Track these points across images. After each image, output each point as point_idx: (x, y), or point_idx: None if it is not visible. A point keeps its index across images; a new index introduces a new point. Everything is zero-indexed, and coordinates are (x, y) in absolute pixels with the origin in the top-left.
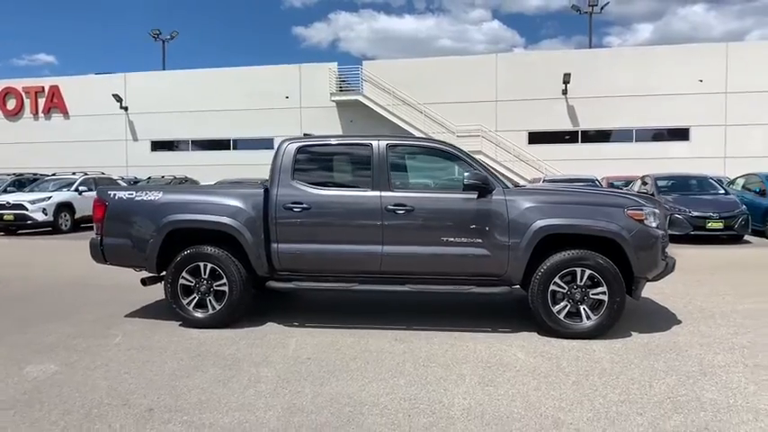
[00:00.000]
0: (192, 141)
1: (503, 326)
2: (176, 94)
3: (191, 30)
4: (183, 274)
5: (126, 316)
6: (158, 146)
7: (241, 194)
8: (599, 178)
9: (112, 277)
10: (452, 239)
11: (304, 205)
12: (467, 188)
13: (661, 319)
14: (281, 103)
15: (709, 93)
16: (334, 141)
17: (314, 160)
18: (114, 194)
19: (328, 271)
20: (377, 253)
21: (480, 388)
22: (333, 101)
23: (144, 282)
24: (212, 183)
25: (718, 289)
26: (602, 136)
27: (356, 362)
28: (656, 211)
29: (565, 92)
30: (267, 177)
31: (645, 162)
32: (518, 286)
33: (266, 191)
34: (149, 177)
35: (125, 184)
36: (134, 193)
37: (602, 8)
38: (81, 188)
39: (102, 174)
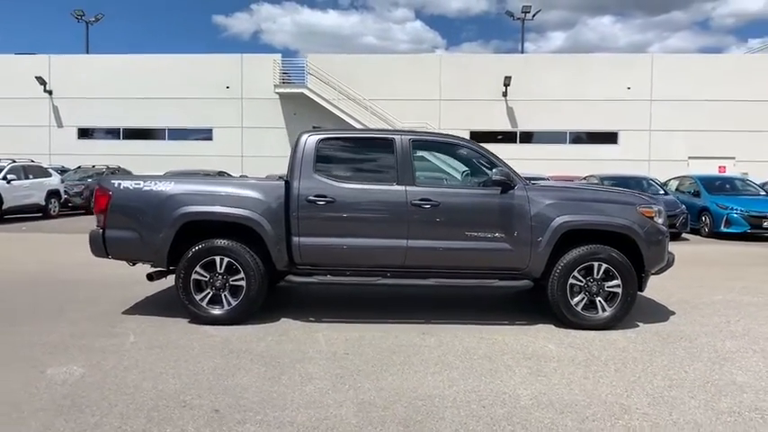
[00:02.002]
0: (123, 130)
1: (518, 318)
2: (107, 79)
3: (107, 12)
4: (197, 268)
5: (123, 313)
6: (85, 133)
7: (261, 186)
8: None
9: (82, 273)
10: (476, 234)
11: (328, 198)
12: (494, 184)
13: (655, 311)
14: (221, 93)
15: (636, 100)
16: (355, 135)
17: (335, 153)
18: (119, 184)
19: (351, 265)
20: (401, 247)
21: (533, 378)
22: (277, 93)
23: (151, 277)
24: (161, 173)
25: (687, 282)
26: (539, 137)
27: (397, 356)
28: (662, 209)
29: (505, 94)
30: (208, 168)
31: (578, 163)
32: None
33: (287, 183)
34: (79, 167)
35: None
36: (141, 182)
37: (533, 15)
38: (9, 176)
39: (32, 161)
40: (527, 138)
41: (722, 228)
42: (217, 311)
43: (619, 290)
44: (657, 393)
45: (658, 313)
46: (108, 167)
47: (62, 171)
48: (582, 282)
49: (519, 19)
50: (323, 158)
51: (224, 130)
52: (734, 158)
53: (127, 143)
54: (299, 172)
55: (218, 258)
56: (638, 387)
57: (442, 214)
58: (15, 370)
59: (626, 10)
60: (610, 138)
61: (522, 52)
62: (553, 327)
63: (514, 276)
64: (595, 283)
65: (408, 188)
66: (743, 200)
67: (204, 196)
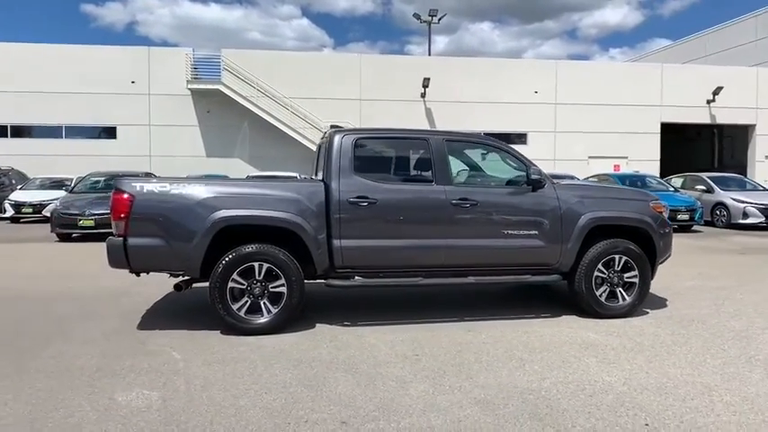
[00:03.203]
0: (12, 127)
1: (540, 311)
2: None
3: None
4: (234, 276)
5: (140, 329)
6: None
7: (299, 187)
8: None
9: (52, 286)
10: (513, 232)
11: (370, 199)
12: (531, 183)
13: (650, 298)
14: (126, 88)
15: (542, 103)
16: (389, 134)
17: (371, 153)
18: (142, 187)
19: (393, 266)
20: (442, 246)
21: (606, 365)
22: (189, 89)
23: (179, 287)
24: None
25: (662, 270)
26: None
27: (466, 354)
28: (667, 204)
29: (424, 95)
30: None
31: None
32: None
33: (325, 185)
34: None
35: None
36: (167, 184)
37: (439, 19)
38: None
39: None
40: None
41: (740, 220)
42: (258, 321)
43: (636, 280)
44: (720, 371)
45: (654, 300)
46: None
47: None
48: (605, 274)
49: (425, 22)
50: (360, 158)
51: (129, 128)
52: (626, 158)
53: (16, 142)
54: (337, 172)
55: (256, 264)
56: (700, 367)
57: (481, 213)
58: (82, 399)
59: (503, 17)
60: (520, 138)
61: (430, 54)
62: (577, 317)
63: (545, 272)
64: (616, 274)
65: (447, 188)
66: (754, 194)
67: (239, 199)
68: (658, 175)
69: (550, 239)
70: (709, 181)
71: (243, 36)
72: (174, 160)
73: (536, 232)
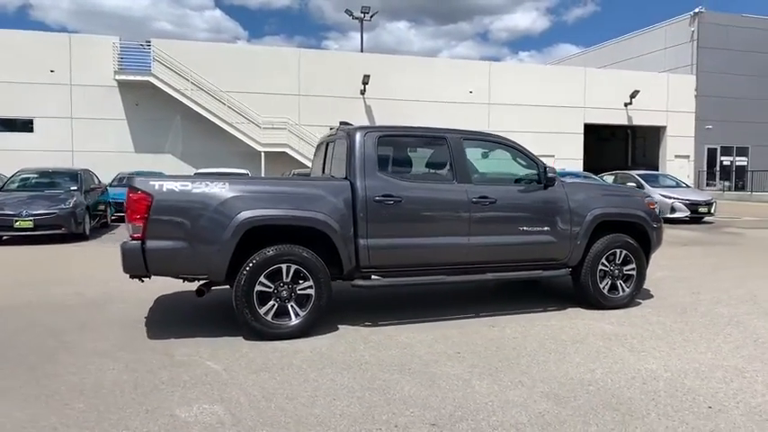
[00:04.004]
0: None
1: (546, 305)
2: None
3: None
4: (261, 278)
5: (151, 339)
6: None
7: (326, 186)
8: None
9: (25, 297)
10: (528, 228)
11: (395, 198)
12: (547, 181)
13: None
14: (44, 77)
15: (477, 103)
16: (409, 132)
17: (394, 151)
18: (161, 186)
19: (417, 265)
20: (464, 244)
21: (638, 354)
22: (117, 80)
23: (201, 292)
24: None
25: None
26: None
27: (506, 349)
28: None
29: (363, 92)
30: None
31: None
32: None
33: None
34: None
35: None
36: (189, 183)
37: (371, 16)
38: None
39: None
40: None
41: (668, 214)
42: (288, 325)
43: (633, 272)
44: (738, 354)
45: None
46: None
47: None
48: (607, 267)
49: (357, 18)
50: (383, 156)
51: (49, 121)
52: (554, 156)
53: None
54: (362, 170)
55: (284, 266)
56: (719, 351)
57: (499, 210)
58: (141, 418)
59: (419, 17)
60: None
61: (362, 51)
62: (580, 309)
63: (555, 266)
64: (617, 267)
65: (467, 186)
66: (679, 191)
67: (265, 198)
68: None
69: (561, 235)
70: (639, 178)
71: (150, 26)
72: (101, 156)
73: (548, 228)
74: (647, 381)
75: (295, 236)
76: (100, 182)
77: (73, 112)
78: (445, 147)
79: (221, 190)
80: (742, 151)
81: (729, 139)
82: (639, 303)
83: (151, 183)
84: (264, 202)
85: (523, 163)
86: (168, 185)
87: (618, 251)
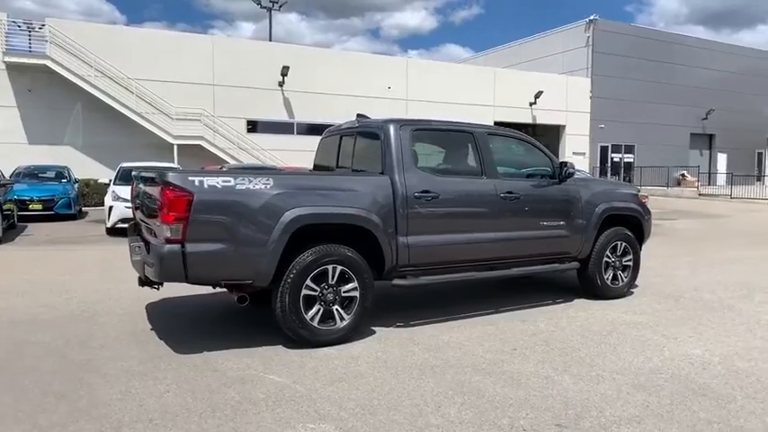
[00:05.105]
0: None
1: (552, 297)
2: None
3: None
4: (308, 281)
5: (181, 353)
6: None
7: (368, 182)
8: None
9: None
10: (547, 223)
11: (432, 194)
12: (568, 176)
13: None
14: None
15: (395, 99)
16: (440, 126)
17: (426, 145)
18: (202, 182)
19: (453, 262)
20: (494, 240)
21: (675, 341)
22: (5, 62)
23: (243, 299)
24: None
25: None
26: (313, 130)
27: (554, 343)
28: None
29: (282, 84)
30: None
31: None
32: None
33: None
34: None
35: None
36: (231, 179)
37: (280, 6)
38: None
39: None
40: (302, 130)
41: None
42: (334, 330)
43: (631, 263)
44: (758, 336)
45: None
46: None
47: None
48: (610, 259)
49: (266, 8)
50: (418, 150)
51: None
52: None
53: None
54: (401, 165)
55: (330, 267)
56: (738, 334)
57: (524, 205)
58: None
59: (310, 10)
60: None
61: (270, 40)
62: (586, 300)
63: (567, 260)
64: (618, 259)
65: (495, 181)
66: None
67: (311, 194)
68: None
69: (575, 229)
70: None
71: (8, 4)
72: None
73: (564, 222)
74: (705, 366)
75: (334, 235)
76: (4, 177)
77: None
78: (472, 141)
79: (265, 186)
80: (629, 149)
81: (619, 137)
82: (632, 293)
83: (190, 179)
84: (311, 199)
85: (538, 158)
86: (210, 182)
87: (618, 243)
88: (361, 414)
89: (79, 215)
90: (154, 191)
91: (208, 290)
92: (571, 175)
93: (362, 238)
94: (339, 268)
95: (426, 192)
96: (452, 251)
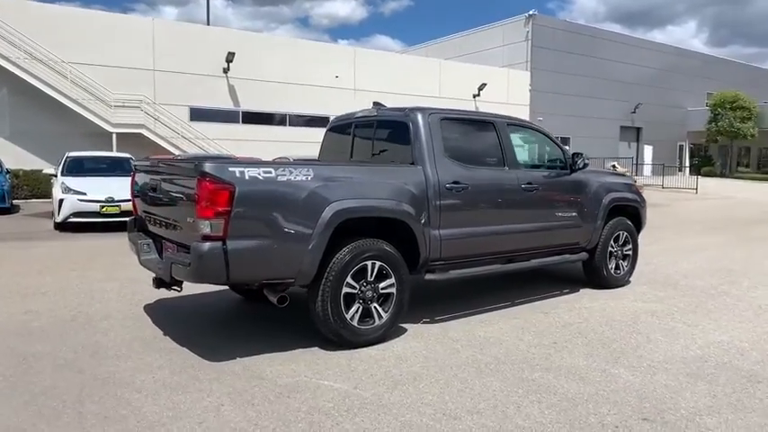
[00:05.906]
0: None
1: (557, 288)
2: None
3: None
4: (348, 279)
5: (211, 360)
6: None
7: (404, 173)
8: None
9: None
10: (561, 214)
11: (462, 185)
12: (581, 168)
13: None
14: None
15: (343, 88)
16: (463, 116)
17: (454, 135)
18: (243, 173)
19: (481, 255)
20: (519, 231)
21: (696, 329)
22: None
23: (284, 299)
24: None
25: None
26: (261, 118)
27: (588, 334)
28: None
29: (227, 70)
30: None
31: (298, 145)
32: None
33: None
34: None
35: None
36: (272, 170)
37: None
38: None
39: None
40: (250, 118)
41: None
42: (373, 328)
43: (630, 252)
44: (765, 319)
45: None
46: None
47: None
48: (613, 248)
49: None
50: (446, 140)
51: None
52: None
53: None
54: (432, 155)
55: (369, 263)
56: (747, 321)
57: (543, 196)
58: None
59: None
60: (324, 122)
61: (208, 24)
62: (591, 290)
63: (577, 250)
64: (620, 248)
65: (518, 172)
66: None
67: (351, 186)
68: None
69: (586, 219)
70: None
71: None
72: None
73: (576, 213)
74: (742, 352)
75: (365, 229)
76: None
77: None
78: (494, 132)
79: (306, 177)
80: (565, 141)
81: (556, 129)
82: (630, 282)
83: (230, 169)
84: (351, 191)
85: (551, 149)
86: (251, 173)
87: (621, 233)
88: (444, 418)
89: (12, 209)
90: (184, 182)
91: (204, 288)
92: (585, 166)
93: (396, 232)
94: (378, 264)
95: (457, 183)
96: (481, 243)
